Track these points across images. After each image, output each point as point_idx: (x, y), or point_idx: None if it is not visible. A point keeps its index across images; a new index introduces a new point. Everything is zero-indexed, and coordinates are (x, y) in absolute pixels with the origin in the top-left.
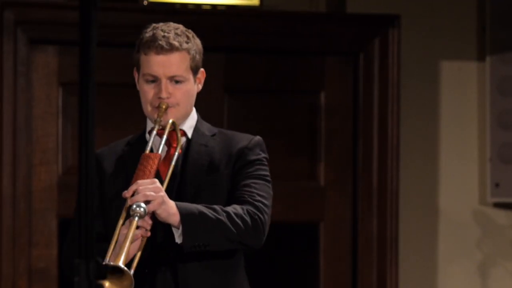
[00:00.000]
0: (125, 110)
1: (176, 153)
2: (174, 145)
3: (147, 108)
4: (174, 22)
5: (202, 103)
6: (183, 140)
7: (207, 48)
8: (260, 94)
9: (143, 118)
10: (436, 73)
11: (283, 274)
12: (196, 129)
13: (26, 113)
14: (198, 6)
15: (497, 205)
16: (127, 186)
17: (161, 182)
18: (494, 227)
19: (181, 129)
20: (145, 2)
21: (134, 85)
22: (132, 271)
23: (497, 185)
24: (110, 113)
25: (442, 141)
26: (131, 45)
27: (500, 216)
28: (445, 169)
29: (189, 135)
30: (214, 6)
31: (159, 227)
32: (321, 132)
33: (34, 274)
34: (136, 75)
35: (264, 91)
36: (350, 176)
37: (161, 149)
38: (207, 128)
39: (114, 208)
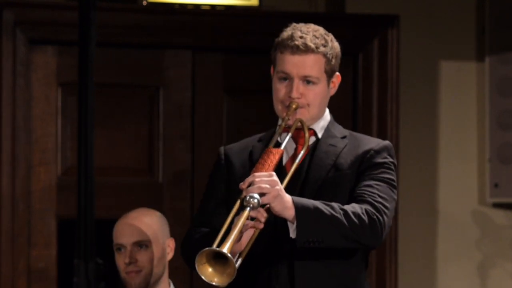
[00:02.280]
0: (125, 110)
1: (302, 151)
2: (301, 143)
3: (278, 106)
4: (173, 22)
5: (202, 103)
6: (312, 139)
7: (207, 48)
8: (260, 94)
9: (143, 118)
10: (435, 73)
11: None
12: (327, 130)
13: (25, 113)
14: (197, 6)
15: (496, 205)
16: None
17: (286, 174)
18: (493, 227)
19: (311, 129)
20: (145, 2)
21: (134, 85)
22: (239, 260)
23: (496, 185)
24: (110, 113)
25: (441, 142)
26: (131, 45)
27: (499, 216)
28: (444, 169)
29: (319, 135)
30: (213, 7)
31: (278, 222)
32: None
33: (33, 274)
34: (272, 73)
35: (263, 91)
36: None
37: (284, 145)
38: (338, 130)
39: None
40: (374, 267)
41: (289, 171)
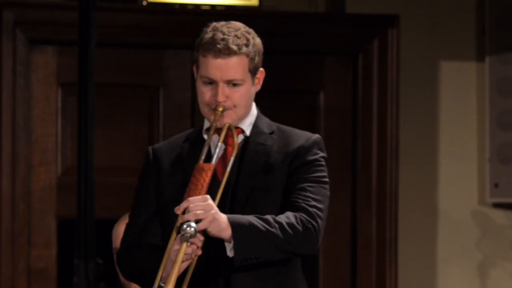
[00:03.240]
0: (125, 110)
1: (232, 158)
2: (230, 143)
3: (204, 109)
4: (173, 22)
5: None
6: (240, 138)
7: None
8: (260, 94)
9: (143, 118)
10: (435, 73)
11: None
12: (254, 126)
13: (25, 113)
14: (197, 6)
15: (496, 205)
16: (184, 186)
17: (218, 182)
18: (493, 227)
19: (239, 127)
20: (145, 2)
21: (134, 85)
22: None
23: (496, 185)
24: (110, 113)
25: (441, 142)
26: (131, 45)
27: (499, 216)
28: (444, 170)
29: (247, 132)
30: (213, 6)
31: (212, 240)
32: (320, 132)
33: (33, 274)
34: (195, 73)
35: (263, 91)
36: (349, 176)
37: (215, 159)
38: (266, 124)
39: (172, 207)
40: (374, 267)
41: (220, 175)
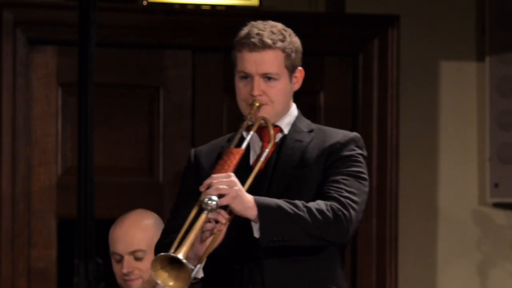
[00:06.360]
0: (125, 110)
1: (267, 149)
2: (267, 141)
3: (242, 105)
4: (173, 22)
5: (202, 103)
6: (278, 136)
7: (207, 48)
8: None
9: (143, 118)
10: (435, 73)
11: None
12: (293, 125)
13: (25, 113)
14: (197, 6)
15: (497, 205)
16: None
17: (250, 176)
18: (494, 227)
19: (277, 126)
20: (145, 2)
21: (134, 85)
22: (200, 265)
23: (496, 185)
24: (110, 113)
25: (442, 142)
26: (131, 45)
27: (500, 216)
28: (444, 169)
29: (285, 131)
30: (213, 6)
31: (244, 223)
32: None
33: (33, 275)
34: (235, 73)
35: None
36: None
37: (246, 144)
38: (305, 124)
39: None
40: (374, 267)
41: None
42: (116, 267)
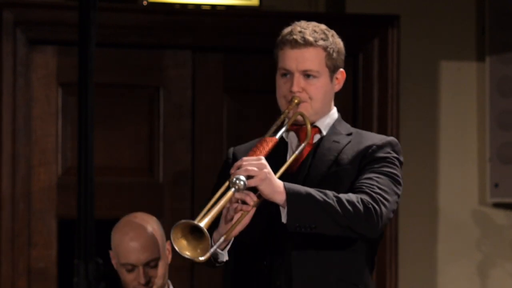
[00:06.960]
0: (125, 110)
1: (303, 144)
2: (303, 138)
3: (281, 102)
4: (173, 22)
5: (202, 103)
6: (316, 137)
7: (207, 48)
8: (260, 94)
9: (143, 118)
10: (435, 73)
11: None
12: (332, 128)
13: (25, 113)
14: (197, 6)
15: (497, 205)
16: None
17: (282, 168)
18: (494, 227)
19: (316, 126)
20: (145, 2)
21: (134, 85)
22: (221, 238)
23: (496, 185)
24: (110, 113)
25: (442, 142)
26: (131, 45)
27: (500, 216)
28: (444, 169)
29: (324, 132)
30: (213, 6)
31: (274, 212)
32: None
33: (33, 275)
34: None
35: (264, 91)
36: None
37: (280, 133)
38: (345, 128)
39: None
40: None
41: (290, 165)
42: (127, 276)
